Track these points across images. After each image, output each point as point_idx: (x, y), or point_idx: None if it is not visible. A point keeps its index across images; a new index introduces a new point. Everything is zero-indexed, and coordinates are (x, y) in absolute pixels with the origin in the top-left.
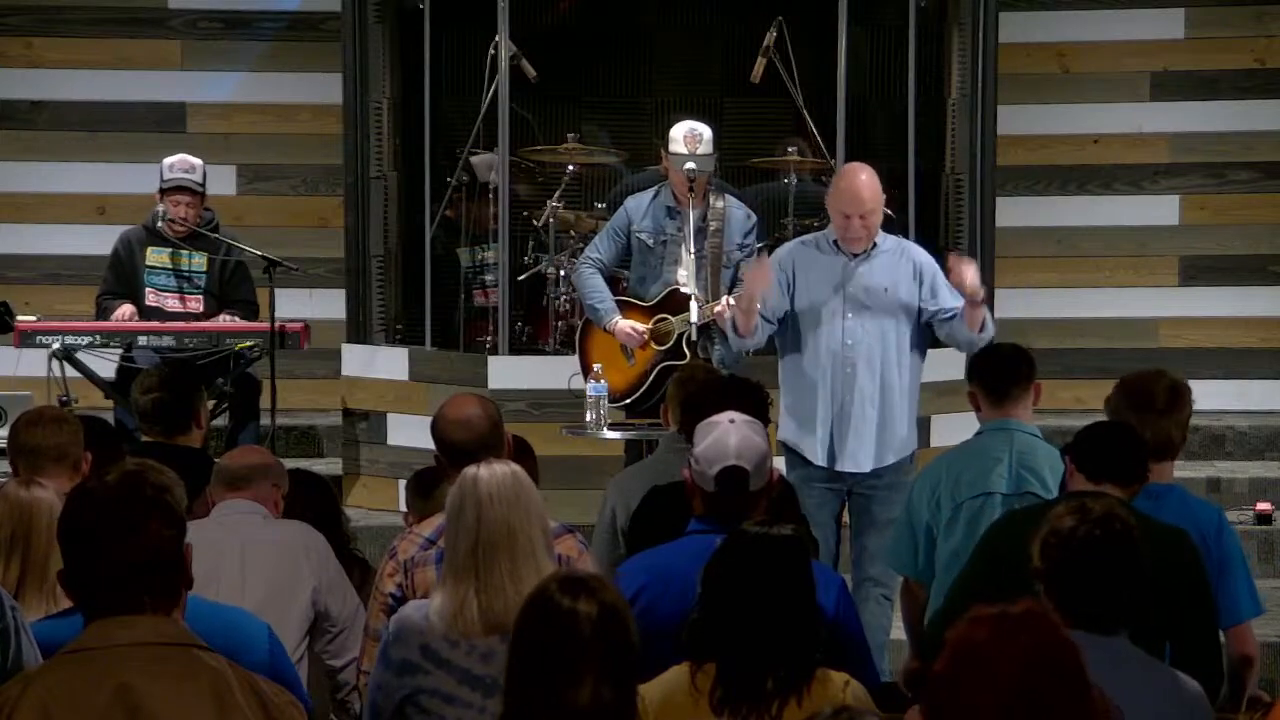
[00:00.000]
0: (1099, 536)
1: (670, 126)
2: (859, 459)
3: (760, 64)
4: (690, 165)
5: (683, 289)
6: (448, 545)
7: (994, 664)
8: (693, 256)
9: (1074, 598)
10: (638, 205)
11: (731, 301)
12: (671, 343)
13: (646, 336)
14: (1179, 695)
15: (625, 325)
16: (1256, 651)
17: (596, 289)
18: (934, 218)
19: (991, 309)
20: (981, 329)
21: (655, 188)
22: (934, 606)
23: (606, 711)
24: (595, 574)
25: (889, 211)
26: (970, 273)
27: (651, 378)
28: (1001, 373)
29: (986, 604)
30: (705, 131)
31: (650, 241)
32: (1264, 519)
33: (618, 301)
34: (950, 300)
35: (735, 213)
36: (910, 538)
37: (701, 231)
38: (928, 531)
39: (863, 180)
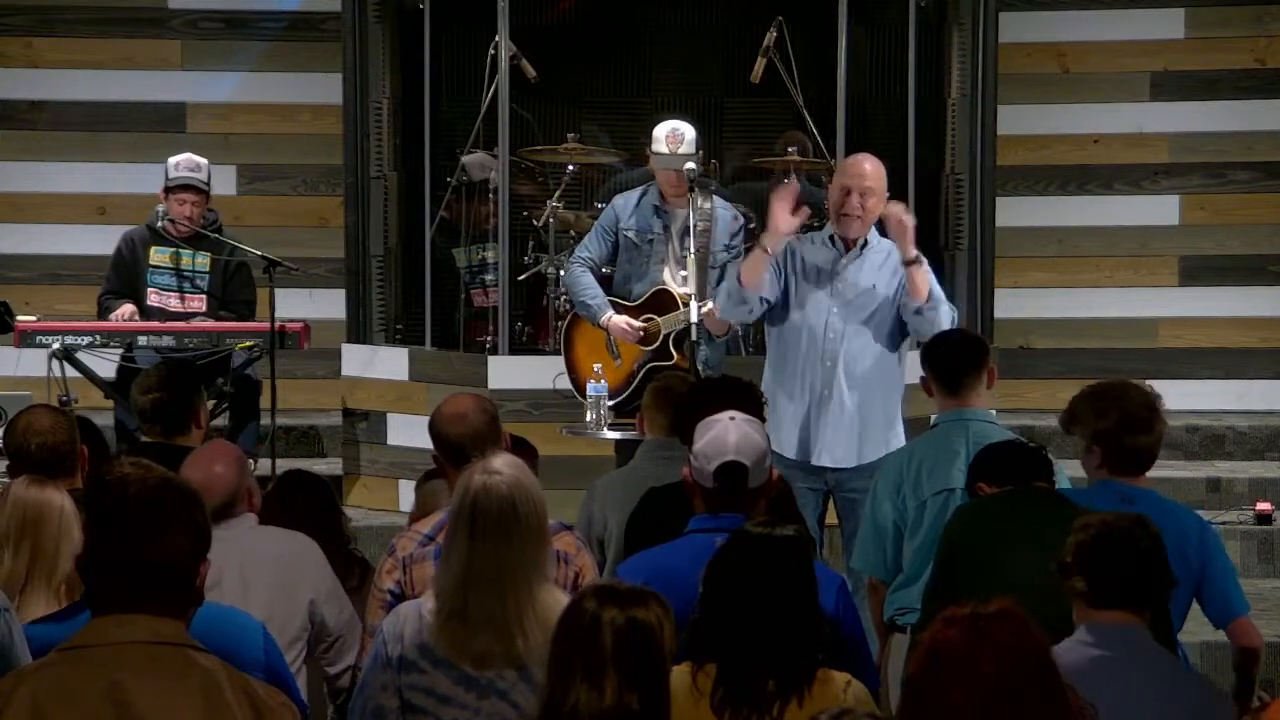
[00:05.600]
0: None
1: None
2: (836, 453)
3: (760, 64)
4: (690, 165)
5: (676, 288)
6: (441, 564)
7: (971, 664)
8: (692, 255)
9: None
10: (625, 203)
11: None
12: (658, 343)
13: (642, 333)
14: (1197, 696)
15: (620, 320)
16: (1260, 642)
17: (588, 286)
18: (934, 218)
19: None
20: (929, 299)
21: (644, 186)
22: (897, 604)
23: (632, 717)
24: (638, 587)
25: None
26: (896, 209)
27: (639, 378)
28: (953, 361)
29: (958, 605)
30: (688, 131)
31: (637, 240)
32: (1264, 519)
33: None
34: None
35: (722, 214)
36: (876, 537)
37: (689, 231)
38: (894, 529)
39: (868, 165)
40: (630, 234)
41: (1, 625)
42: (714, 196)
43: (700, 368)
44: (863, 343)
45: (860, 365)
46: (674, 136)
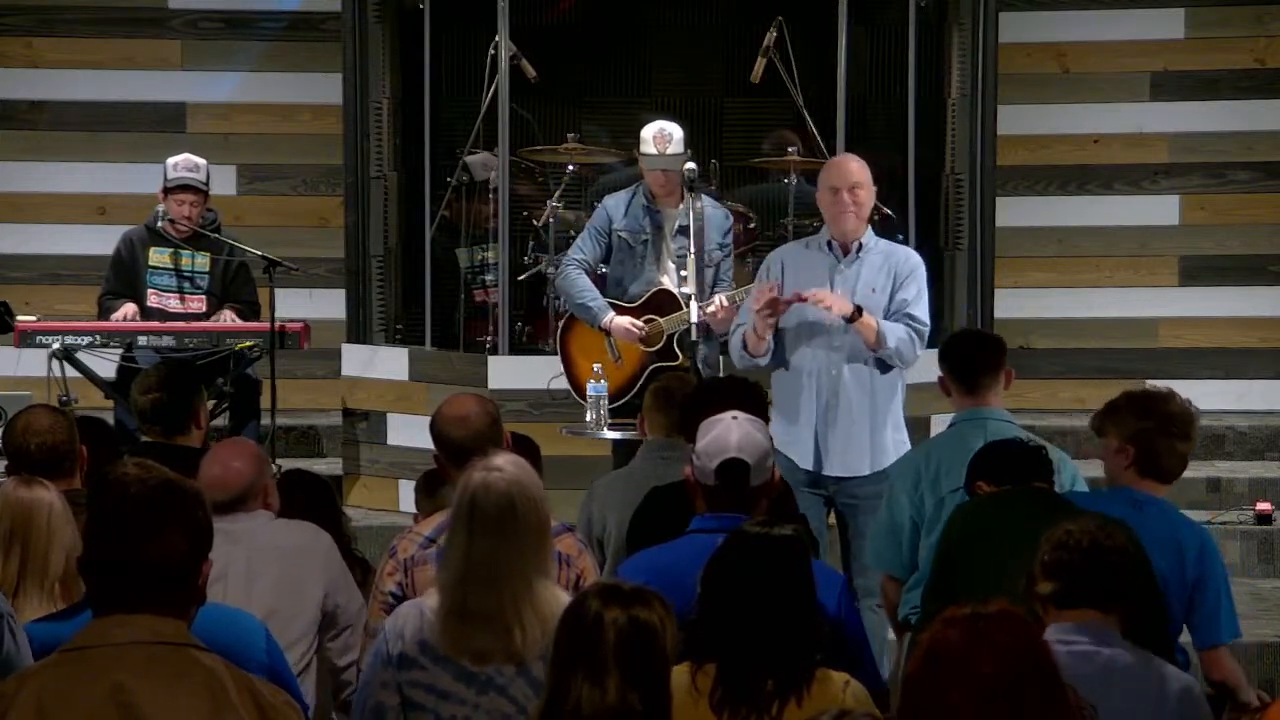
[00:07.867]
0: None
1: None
2: (849, 462)
3: (760, 64)
4: (690, 165)
5: (679, 288)
6: (442, 561)
7: (970, 664)
8: (691, 255)
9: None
10: (617, 204)
11: (724, 302)
12: (662, 343)
13: (645, 333)
14: (1168, 689)
15: (624, 322)
16: (1235, 679)
17: (586, 288)
18: (934, 218)
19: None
20: (879, 343)
21: (632, 187)
22: (912, 603)
23: (634, 716)
24: (641, 587)
25: (889, 211)
26: (825, 299)
27: (644, 378)
28: (970, 361)
29: (957, 605)
30: (675, 131)
31: (630, 240)
32: (1264, 519)
33: None
34: (910, 307)
35: (713, 213)
36: (892, 533)
37: (684, 231)
38: (911, 526)
39: (852, 163)
40: (624, 235)
41: (6, 636)
42: (703, 196)
43: (700, 366)
44: (868, 350)
45: (866, 371)
46: (662, 137)
